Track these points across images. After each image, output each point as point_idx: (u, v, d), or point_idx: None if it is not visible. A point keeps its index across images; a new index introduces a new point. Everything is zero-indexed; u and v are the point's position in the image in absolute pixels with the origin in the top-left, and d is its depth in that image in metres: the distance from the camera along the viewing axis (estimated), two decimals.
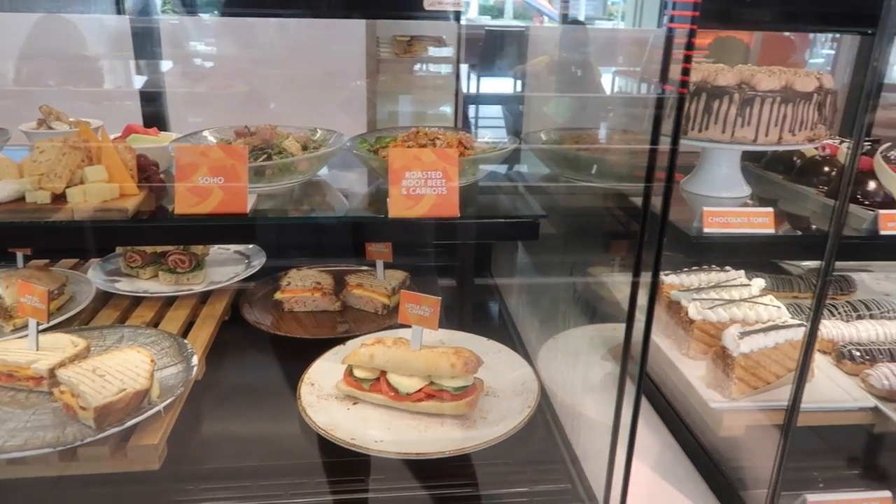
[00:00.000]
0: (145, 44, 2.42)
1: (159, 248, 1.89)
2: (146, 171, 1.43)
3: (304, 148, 1.59)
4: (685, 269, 1.80)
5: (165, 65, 2.59)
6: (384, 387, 1.45)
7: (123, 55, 2.50)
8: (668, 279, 1.75)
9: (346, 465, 1.33)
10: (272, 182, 1.49)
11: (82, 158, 1.35)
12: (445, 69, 3.69)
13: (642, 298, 1.50)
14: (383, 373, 1.46)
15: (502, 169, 1.65)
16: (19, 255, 1.74)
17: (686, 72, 1.07)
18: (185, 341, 1.55)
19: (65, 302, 1.74)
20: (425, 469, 1.31)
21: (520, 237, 1.39)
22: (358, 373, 1.47)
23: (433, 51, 3.65)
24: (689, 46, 1.05)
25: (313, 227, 1.38)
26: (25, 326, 1.60)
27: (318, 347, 1.68)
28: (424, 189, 1.36)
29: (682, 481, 1.38)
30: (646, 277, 1.14)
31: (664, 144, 1.09)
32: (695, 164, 1.57)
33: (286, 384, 1.57)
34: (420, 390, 1.42)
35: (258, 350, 1.76)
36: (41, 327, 1.43)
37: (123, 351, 1.39)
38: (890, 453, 1.42)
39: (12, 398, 1.34)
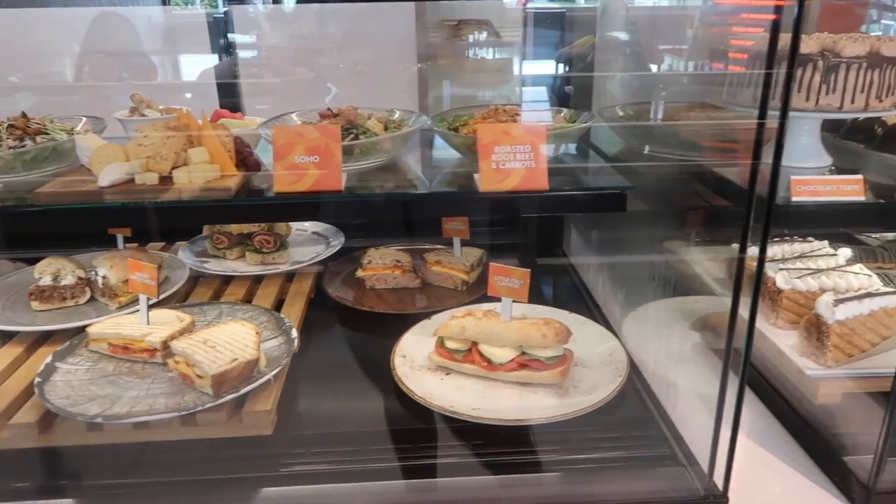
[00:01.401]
0: (216, 35, 2.49)
1: (245, 230, 1.96)
2: (242, 152, 1.49)
3: (385, 128, 1.63)
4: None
5: (231, 55, 2.66)
6: (476, 357, 1.48)
7: (180, 48, 2.58)
8: (751, 251, 1.74)
9: (443, 432, 1.37)
10: (359, 161, 1.54)
11: (185, 141, 1.41)
12: (495, 52, 3.70)
13: (716, 271, 1.51)
14: (474, 344, 1.50)
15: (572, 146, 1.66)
16: (120, 237, 1.82)
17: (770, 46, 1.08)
18: (282, 315, 1.61)
19: (161, 281, 1.82)
20: (521, 436, 1.35)
21: (607, 209, 1.40)
22: (450, 344, 1.51)
23: (483, 34, 3.66)
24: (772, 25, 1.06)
25: (406, 203, 1.42)
26: (129, 305, 1.70)
27: (401, 322, 1.74)
28: (514, 163, 1.39)
29: (778, 447, 1.39)
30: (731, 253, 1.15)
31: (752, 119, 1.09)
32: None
33: (376, 356, 1.62)
34: (512, 360, 1.46)
35: (345, 325, 1.81)
36: (150, 303, 1.50)
37: (228, 324, 1.46)
38: None
39: (130, 369, 1.42)
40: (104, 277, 1.69)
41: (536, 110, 1.85)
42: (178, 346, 1.35)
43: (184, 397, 1.29)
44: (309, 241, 2.12)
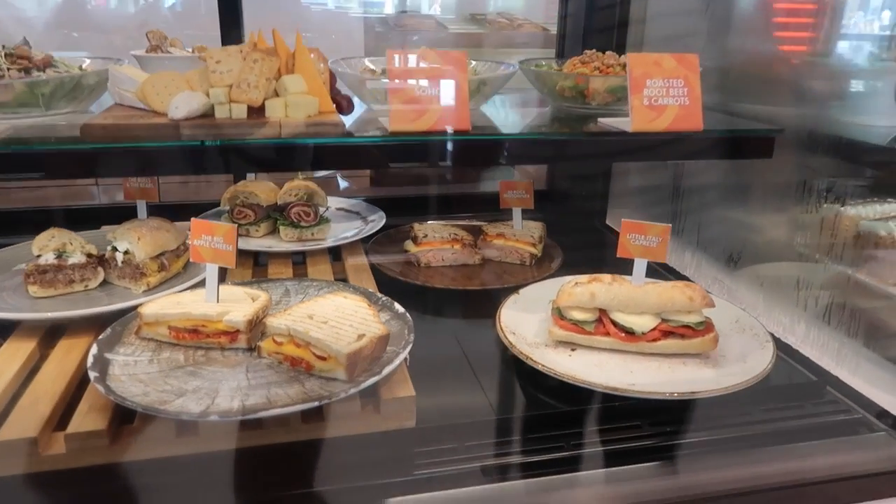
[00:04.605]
0: None
1: (280, 200, 1.65)
2: (332, 85, 1.22)
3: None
4: (861, 201, 1.71)
5: None
6: (611, 328, 1.29)
7: None
8: (852, 211, 1.66)
9: (597, 413, 1.16)
10: None
11: (276, 67, 1.12)
12: None
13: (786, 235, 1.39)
14: (603, 313, 1.30)
15: None
16: (142, 204, 1.46)
17: None
18: (368, 289, 1.34)
19: (186, 264, 1.48)
20: (684, 413, 1.16)
21: (755, 154, 1.26)
22: (577, 315, 1.30)
23: None
24: None
25: (543, 145, 1.21)
26: (159, 288, 1.36)
27: (475, 300, 1.57)
28: (666, 99, 1.22)
29: None
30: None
31: None
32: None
33: (475, 335, 1.39)
34: (655, 328, 1.27)
35: (417, 305, 1.55)
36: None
37: (326, 298, 1.18)
38: None
39: (206, 357, 1.10)
40: (126, 254, 1.34)
41: None
42: (278, 324, 1.06)
43: (304, 385, 1.00)
44: (339, 217, 1.84)
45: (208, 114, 1.08)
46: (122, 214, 1.48)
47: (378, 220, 1.81)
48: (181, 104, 1.04)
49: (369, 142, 1.08)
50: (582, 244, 1.94)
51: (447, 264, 1.72)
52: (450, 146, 1.13)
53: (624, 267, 1.33)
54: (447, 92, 1.14)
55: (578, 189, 2.13)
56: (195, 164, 1.04)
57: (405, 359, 1.08)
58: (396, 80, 1.12)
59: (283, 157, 1.06)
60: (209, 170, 1.02)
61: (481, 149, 1.15)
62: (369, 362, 1.04)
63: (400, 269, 1.67)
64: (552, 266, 1.71)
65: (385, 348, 1.07)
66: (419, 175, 2.40)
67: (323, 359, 1.01)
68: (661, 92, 1.21)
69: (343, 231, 1.74)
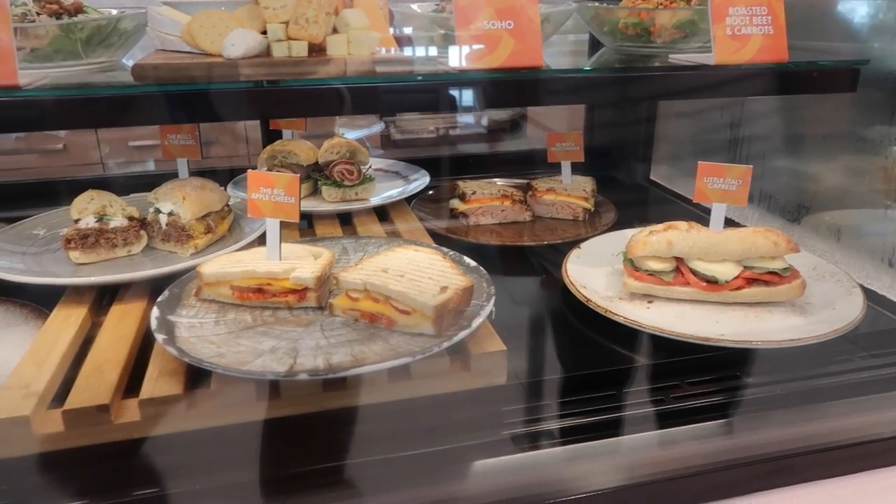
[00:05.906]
0: None
1: (321, 158, 1.57)
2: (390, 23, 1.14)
3: None
4: None
5: None
6: (691, 278, 1.22)
7: None
8: None
9: (684, 366, 1.10)
10: None
11: (337, 2, 1.03)
12: None
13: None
14: (680, 262, 1.23)
15: None
16: (183, 162, 1.37)
17: None
18: (434, 245, 1.26)
19: (232, 222, 1.40)
20: (769, 361, 1.10)
21: (839, 88, 1.18)
22: (653, 265, 1.23)
23: None
24: None
25: (622, 83, 1.13)
26: (206, 250, 1.28)
27: (525, 257, 1.52)
28: (750, 28, 1.13)
29: None
30: None
31: None
32: None
33: (538, 292, 1.33)
34: (738, 276, 1.20)
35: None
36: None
37: (396, 252, 1.10)
38: None
39: (275, 317, 1.02)
40: (171, 215, 1.26)
41: None
42: (353, 279, 0.99)
43: (388, 342, 0.93)
44: (378, 178, 1.76)
45: (263, 53, 1.00)
46: (141, 184, 1.41)
47: (422, 179, 1.73)
48: (238, 41, 0.95)
49: (445, 80, 1.00)
50: (630, 200, 1.87)
51: (496, 221, 1.64)
52: (526, 84, 1.05)
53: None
54: (520, 24, 1.06)
55: (620, 144, 2.05)
56: (257, 106, 0.96)
57: (491, 311, 1.00)
58: (465, 14, 1.04)
59: (350, 98, 0.98)
60: (269, 112, 0.94)
61: (558, 86, 1.07)
62: (454, 316, 0.97)
63: (447, 227, 1.59)
64: (606, 221, 1.64)
65: (469, 301, 1.00)
66: (428, 139, 2.35)
67: (406, 313, 0.94)
68: (744, 21, 1.12)
69: (385, 191, 1.66)
